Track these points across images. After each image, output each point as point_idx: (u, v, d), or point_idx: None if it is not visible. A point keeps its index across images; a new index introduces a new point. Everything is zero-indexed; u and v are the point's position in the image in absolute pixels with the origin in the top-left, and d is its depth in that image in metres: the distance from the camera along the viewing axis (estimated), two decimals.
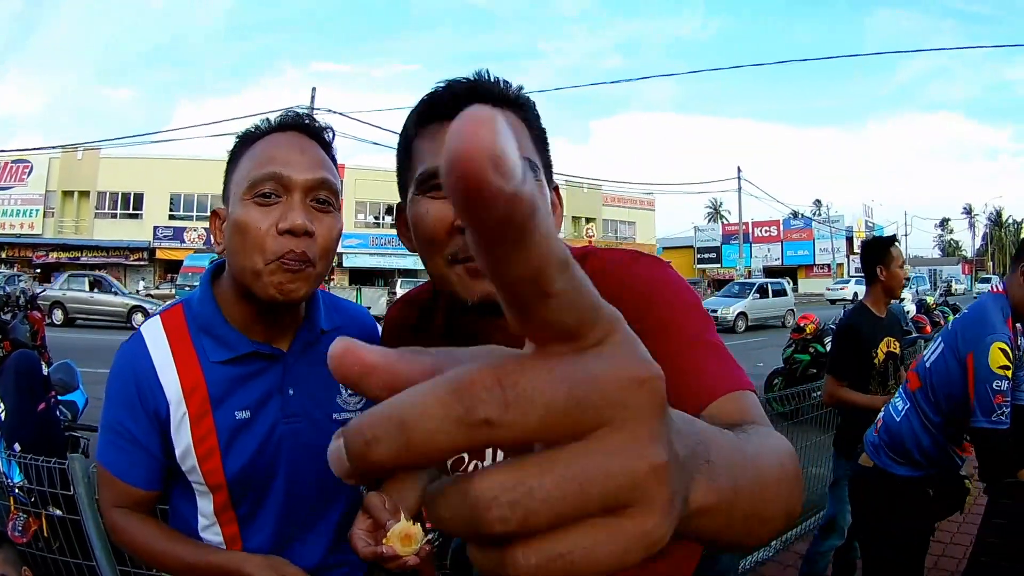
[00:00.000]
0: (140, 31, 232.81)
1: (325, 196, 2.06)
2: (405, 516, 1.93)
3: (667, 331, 1.69)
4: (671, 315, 1.75)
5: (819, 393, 8.02)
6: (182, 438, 2.08)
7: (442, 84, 1.77)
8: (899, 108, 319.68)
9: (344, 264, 66.79)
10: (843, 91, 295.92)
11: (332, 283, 58.97)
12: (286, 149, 2.03)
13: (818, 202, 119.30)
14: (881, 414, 4.55)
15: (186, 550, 2.01)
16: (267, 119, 2.16)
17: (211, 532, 2.23)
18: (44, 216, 65.62)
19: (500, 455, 1.85)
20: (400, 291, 61.83)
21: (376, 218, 73.58)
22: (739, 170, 69.20)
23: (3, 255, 64.81)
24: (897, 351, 6.02)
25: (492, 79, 1.78)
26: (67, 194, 66.84)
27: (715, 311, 38.07)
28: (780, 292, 45.14)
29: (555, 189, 1.93)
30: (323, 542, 2.37)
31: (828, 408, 7.27)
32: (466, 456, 2.05)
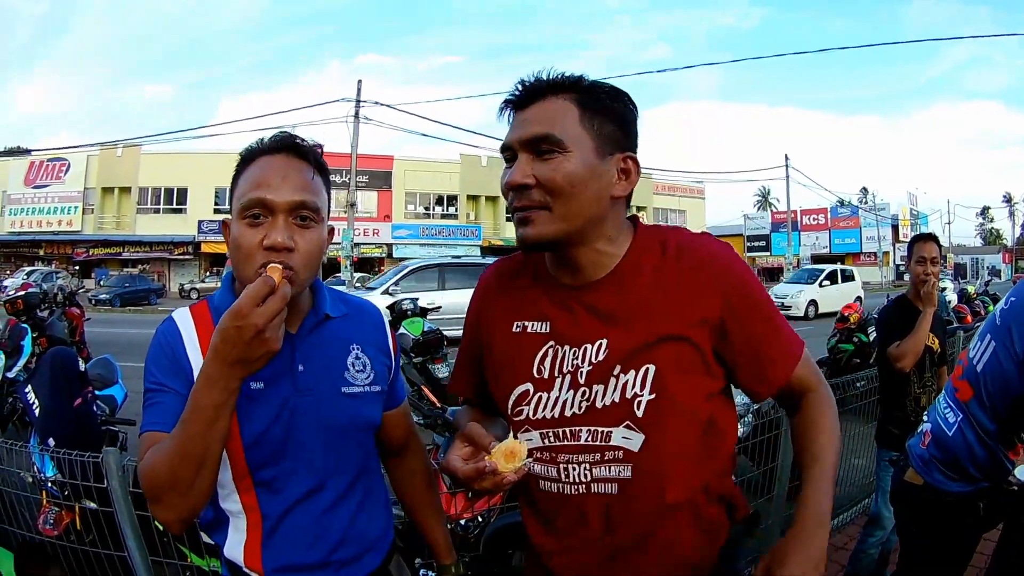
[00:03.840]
0: (179, 27, 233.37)
1: (306, 214, 2.35)
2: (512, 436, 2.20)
3: (752, 309, 2.35)
4: (751, 293, 2.36)
5: (862, 383, 8.22)
6: None
7: (520, 79, 2.32)
8: (939, 96, 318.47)
9: (394, 255, 66.47)
10: (884, 79, 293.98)
11: (381, 274, 59.15)
12: (272, 174, 2.33)
13: (864, 190, 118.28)
14: (929, 426, 4.31)
15: (183, 413, 2.11)
16: (261, 139, 2.46)
17: (230, 501, 2.45)
18: (83, 213, 66.24)
19: (567, 385, 2.34)
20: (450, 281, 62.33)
21: (426, 208, 73.75)
22: (787, 158, 68.61)
23: (41, 252, 65.15)
24: (936, 347, 6.20)
25: (552, 73, 2.30)
26: (107, 190, 67.45)
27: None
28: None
29: (629, 158, 2.34)
30: (342, 512, 2.55)
31: (872, 399, 7.26)
32: (531, 388, 2.40)
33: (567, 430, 2.35)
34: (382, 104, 42.04)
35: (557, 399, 2.36)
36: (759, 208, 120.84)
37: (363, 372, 2.61)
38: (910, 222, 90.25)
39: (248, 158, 2.43)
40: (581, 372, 2.32)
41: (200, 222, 65.83)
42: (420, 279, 25.10)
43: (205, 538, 4.65)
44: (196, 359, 2.35)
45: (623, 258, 2.37)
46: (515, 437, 2.25)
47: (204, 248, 66.04)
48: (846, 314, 15.41)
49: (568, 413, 2.34)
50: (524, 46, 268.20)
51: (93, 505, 5.09)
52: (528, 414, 2.41)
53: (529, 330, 2.45)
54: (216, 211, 65.36)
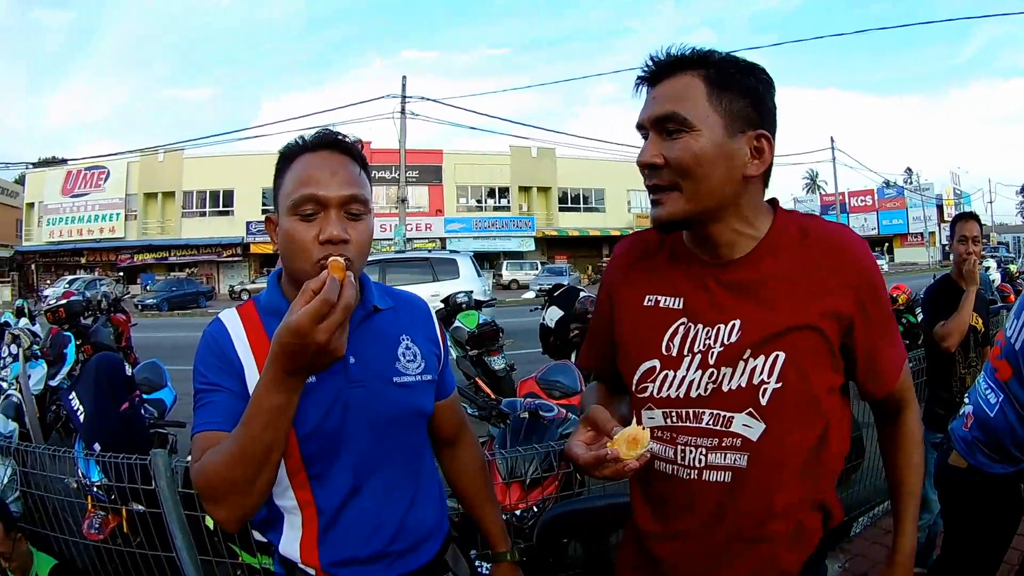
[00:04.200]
0: (217, 30, 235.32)
1: (355, 208, 2.46)
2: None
3: (878, 309, 2.35)
4: (879, 293, 2.36)
5: (912, 364, 8.03)
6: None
7: (650, 54, 2.31)
8: (977, 74, 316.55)
9: (448, 248, 66.53)
10: (922, 59, 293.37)
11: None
12: (320, 171, 2.44)
13: (909, 170, 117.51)
14: (971, 408, 4.36)
15: (243, 415, 2.13)
16: (302, 137, 2.57)
17: (285, 497, 2.50)
18: (126, 219, 67.37)
19: (696, 365, 2.33)
20: (507, 273, 61.99)
21: (479, 201, 74.20)
22: (832, 140, 69.50)
23: (83, 260, 66.01)
24: (980, 327, 6.31)
25: (682, 49, 2.30)
26: (150, 196, 68.72)
27: None
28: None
29: (762, 136, 2.28)
30: (397, 503, 2.61)
31: (920, 380, 7.18)
32: (657, 364, 2.39)
33: (690, 411, 2.35)
34: (428, 99, 42.44)
35: (684, 379, 2.36)
36: (808, 191, 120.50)
37: (414, 362, 2.67)
38: (954, 201, 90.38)
39: (290, 156, 2.53)
40: (712, 353, 2.32)
41: (248, 223, 66.72)
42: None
43: (257, 536, 4.67)
44: (247, 358, 2.44)
45: (762, 240, 2.36)
46: (638, 417, 2.35)
47: (253, 249, 66.94)
48: (894, 295, 15.42)
49: (693, 394, 2.34)
50: (567, 35, 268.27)
51: (141, 507, 5.12)
52: (653, 391, 2.41)
53: (661, 305, 2.45)
54: (264, 211, 65.46)
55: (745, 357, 2.26)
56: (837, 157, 69.65)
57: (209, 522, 4.77)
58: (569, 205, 77.12)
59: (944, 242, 71.46)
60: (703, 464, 2.32)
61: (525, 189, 75.01)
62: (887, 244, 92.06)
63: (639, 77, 2.34)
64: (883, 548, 6.44)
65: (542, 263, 66.79)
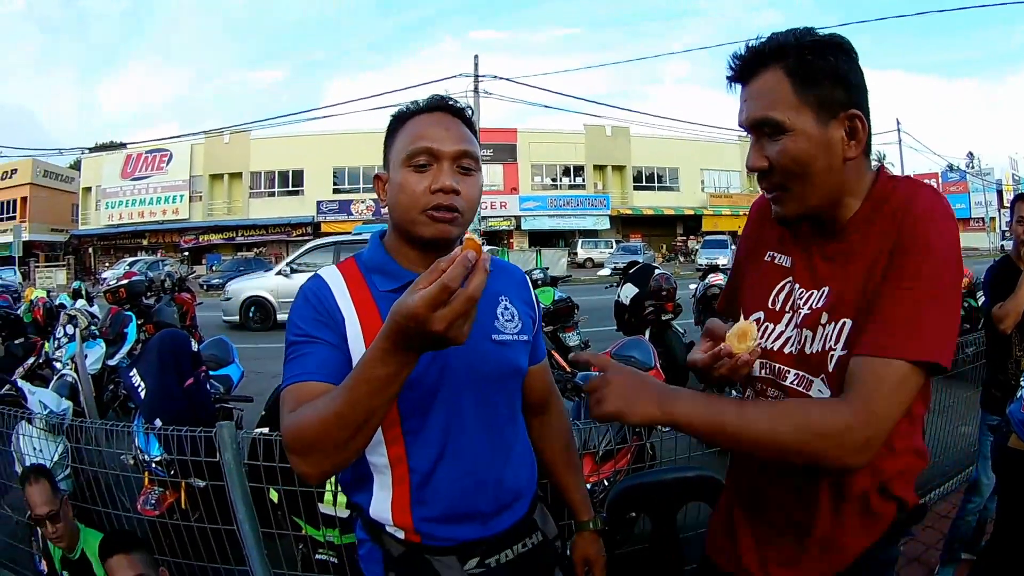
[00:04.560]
0: (288, 11, 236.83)
1: (467, 163, 2.58)
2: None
3: (907, 262, 2.16)
4: (917, 247, 2.18)
5: (971, 349, 8.36)
6: (356, 347, 2.44)
7: (735, 51, 2.37)
8: None
9: (523, 227, 68.27)
10: (984, 41, 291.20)
11: (511, 247, 59.28)
12: (435, 127, 2.56)
13: (971, 154, 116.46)
14: None
15: (348, 377, 2.11)
16: (416, 101, 2.70)
17: (376, 454, 2.55)
18: (190, 201, 68.78)
19: (793, 323, 2.42)
20: (581, 251, 62.50)
21: (554, 180, 74.55)
22: (898, 122, 69.83)
23: (144, 243, 67.01)
24: None
25: (762, 41, 2.32)
26: (215, 177, 70.29)
27: None
28: None
29: (853, 115, 2.28)
30: (491, 462, 2.65)
31: (980, 363, 7.31)
32: (762, 316, 2.51)
33: (780, 367, 2.43)
34: (501, 78, 42.76)
35: (782, 334, 2.45)
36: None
37: (511, 321, 2.77)
38: (1012, 187, 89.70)
39: (402, 118, 2.66)
40: (801, 314, 2.40)
41: (319, 203, 68.14)
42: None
43: (324, 509, 4.75)
44: (348, 310, 2.52)
45: (859, 209, 2.36)
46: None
47: (324, 228, 67.17)
48: (988, 277, 14.87)
49: (787, 350, 2.42)
50: (639, 13, 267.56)
51: (201, 483, 5.18)
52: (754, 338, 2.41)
53: (776, 262, 2.57)
54: (335, 191, 67.98)
55: (823, 323, 2.32)
56: (902, 139, 69.53)
57: (273, 495, 4.84)
58: (644, 184, 77.40)
59: (1004, 228, 71.34)
60: None
61: (600, 168, 75.46)
62: None
63: (733, 77, 2.40)
64: (937, 533, 6.73)
65: (616, 241, 67.17)
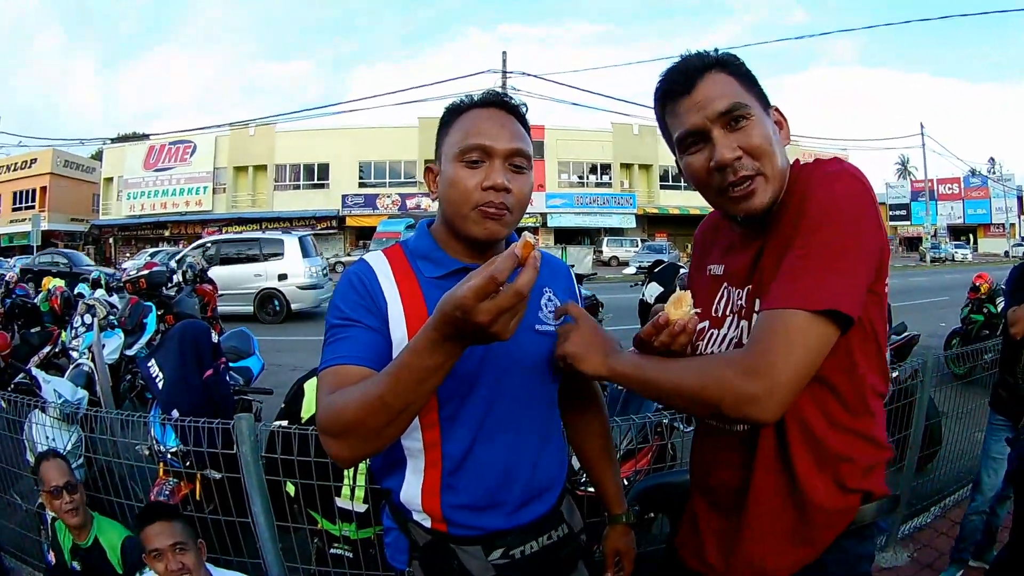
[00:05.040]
0: (315, 3, 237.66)
1: (519, 162, 2.61)
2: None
3: (809, 219, 2.24)
4: (821, 210, 2.25)
5: (990, 356, 8.46)
6: (397, 331, 2.50)
7: (667, 70, 2.50)
8: None
9: (548, 224, 68.33)
10: (1006, 46, 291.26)
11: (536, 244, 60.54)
12: (489, 124, 2.59)
13: (992, 160, 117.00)
14: None
15: (392, 364, 2.16)
16: (470, 95, 2.74)
17: (411, 439, 2.59)
18: (214, 192, 69.47)
19: (736, 324, 2.53)
20: (607, 249, 62.62)
21: (580, 178, 74.78)
22: (922, 126, 70.54)
23: (166, 233, 67.45)
24: None
25: (692, 55, 2.49)
26: (239, 169, 70.84)
27: None
28: None
29: (775, 109, 2.55)
30: (526, 451, 2.69)
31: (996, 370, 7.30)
32: (707, 325, 2.61)
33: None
34: (529, 74, 43.17)
35: (726, 336, 2.57)
36: (899, 176, 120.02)
37: (554, 313, 2.80)
38: None
39: (456, 111, 2.69)
40: (743, 310, 2.52)
41: (344, 196, 68.54)
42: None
43: (340, 503, 4.74)
44: (392, 295, 2.57)
45: (778, 201, 2.46)
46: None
47: (349, 222, 68.49)
48: (977, 283, 15.70)
49: (732, 350, 2.51)
50: (669, 11, 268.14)
51: (217, 475, 5.19)
52: (701, 349, 2.62)
53: (712, 272, 2.73)
54: (361, 185, 68.25)
55: (757, 310, 2.40)
56: (927, 144, 69.97)
57: (290, 488, 4.85)
58: (671, 183, 77.22)
59: (1023, 234, 71.86)
60: None
61: (627, 166, 75.80)
62: (971, 234, 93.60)
63: (665, 94, 2.52)
64: (950, 539, 6.83)
65: (642, 240, 67.46)
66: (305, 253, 27.98)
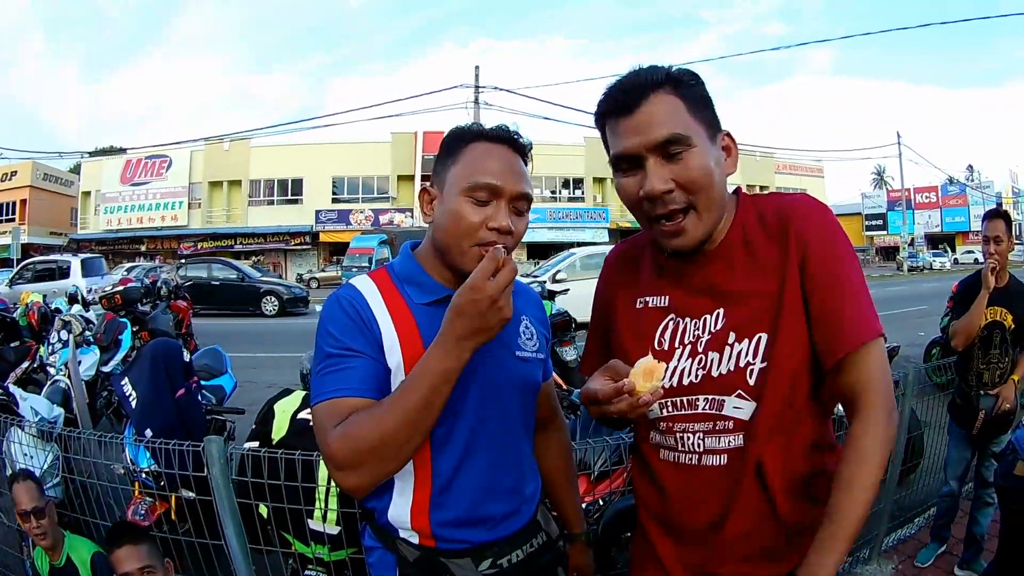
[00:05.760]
0: (290, 17, 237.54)
1: (522, 205, 2.68)
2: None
3: (831, 260, 2.36)
4: (832, 243, 2.39)
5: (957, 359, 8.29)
6: (393, 357, 2.52)
7: (612, 85, 2.43)
8: None
9: (521, 239, 67.41)
10: (987, 55, 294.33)
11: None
12: (500, 163, 2.61)
13: (971, 167, 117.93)
14: None
15: (409, 378, 2.33)
16: (479, 125, 2.77)
17: None
18: (189, 207, 69.10)
19: (686, 355, 2.51)
20: None
21: (553, 192, 75.04)
22: (898, 135, 70.88)
23: (143, 248, 67.24)
24: (1007, 323, 6.60)
25: (642, 70, 2.41)
26: (215, 184, 70.47)
27: None
28: None
29: (725, 135, 2.50)
30: (508, 469, 2.76)
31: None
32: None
33: (685, 399, 2.52)
34: (501, 89, 43.10)
35: (676, 368, 2.53)
36: (875, 186, 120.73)
37: (531, 340, 2.91)
38: (1012, 200, 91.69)
39: (464, 138, 2.69)
40: (700, 341, 2.50)
41: (318, 212, 68.26)
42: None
43: (312, 525, 4.72)
44: (384, 322, 2.57)
45: (729, 230, 2.52)
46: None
47: (323, 238, 68.24)
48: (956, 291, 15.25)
49: (685, 382, 2.52)
50: (643, 24, 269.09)
51: (191, 495, 5.17)
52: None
53: (650, 305, 2.67)
54: (334, 200, 67.98)
55: (730, 342, 2.44)
56: (904, 153, 70.62)
57: (263, 510, 4.82)
58: None
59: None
60: (702, 449, 2.49)
61: (599, 180, 75.54)
62: (949, 242, 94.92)
63: (607, 111, 2.48)
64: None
65: None
66: (92, 273, 30.12)
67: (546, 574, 2.94)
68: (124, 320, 12.86)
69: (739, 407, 2.41)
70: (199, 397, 7.21)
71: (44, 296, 15.16)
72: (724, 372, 2.43)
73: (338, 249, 64.89)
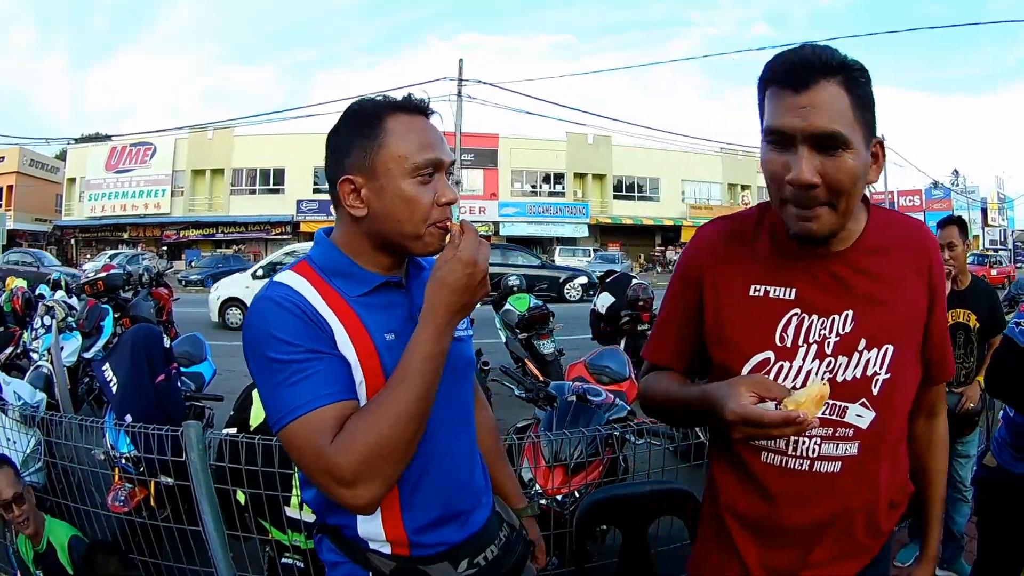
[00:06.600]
0: (276, 10, 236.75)
1: (452, 171, 2.54)
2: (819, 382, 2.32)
3: (942, 298, 2.54)
4: (943, 286, 2.55)
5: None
6: (348, 357, 2.35)
7: (786, 56, 2.27)
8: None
9: (501, 232, 67.35)
10: (974, 60, 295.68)
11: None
12: (431, 134, 2.49)
13: (956, 172, 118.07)
14: (1010, 411, 4.54)
15: (401, 368, 2.29)
16: (385, 96, 2.57)
17: None
18: (172, 196, 68.54)
19: (812, 355, 2.43)
20: (559, 259, 61.36)
21: (533, 187, 74.53)
22: (882, 137, 69.54)
23: (125, 236, 66.94)
24: (972, 324, 6.65)
25: (818, 49, 2.26)
26: (198, 173, 69.81)
27: None
28: None
29: (877, 141, 2.38)
30: (464, 463, 2.68)
31: None
32: (772, 356, 2.46)
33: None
34: (485, 83, 43.02)
35: (800, 369, 2.43)
36: None
37: (465, 322, 2.76)
38: (997, 205, 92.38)
39: (378, 115, 2.48)
40: (828, 343, 2.41)
41: (299, 202, 67.86)
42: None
43: (289, 512, 4.72)
44: (332, 320, 2.38)
45: (863, 233, 2.47)
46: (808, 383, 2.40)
47: (303, 228, 67.53)
48: None
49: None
50: (630, 23, 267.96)
51: (169, 481, 5.16)
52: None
53: (771, 295, 2.50)
54: (315, 190, 67.35)
55: (860, 348, 2.38)
56: (887, 156, 69.94)
57: (240, 496, 4.82)
58: (624, 193, 77.22)
59: (988, 246, 73.58)
60: (816, 455, 2.42)
61: (580, 176, 75.34)
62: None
63: (772, 79, 2.31)
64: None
65: (595, 250, 66.95)
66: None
67: (519, 568, 2.85)
68: (106, 307, 12.87)
69: (861, 416, 2.38)
70: (179, 383, 7.16)
71: (28, 281, 15.14)
72: (850, 379, 2.39)
73: None
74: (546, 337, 13.75)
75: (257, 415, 5.11)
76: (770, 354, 2.44)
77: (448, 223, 2.38)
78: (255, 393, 5.17)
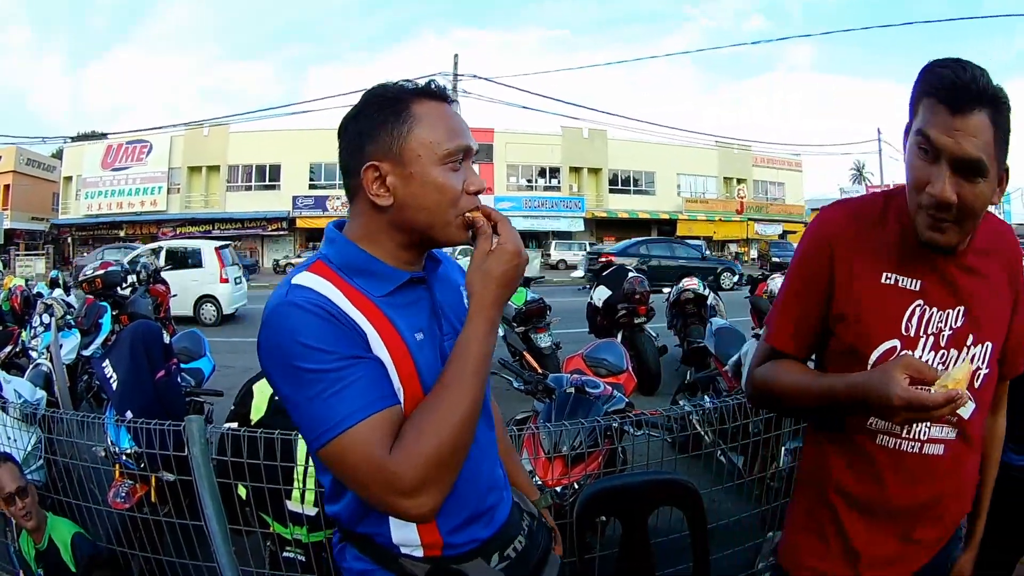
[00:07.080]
0: (273, 5, 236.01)
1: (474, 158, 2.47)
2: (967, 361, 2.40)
3: (1021, 306, 2.68)
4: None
5: None
6: (383, 359, 2.24)
7: (957, 69, 2.28)
8: (1018, 73, 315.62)
9: None
10: (969, 54, 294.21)
11: None
12: (458, 121, 2.41)
13: None
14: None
15: (455, 365, 2.25)
16: (412, 81, 2.44)
17: None
18: (168, 193, 68.71)
19: (929, 346, 2.54)
20: (555, 253, 61.71)
21: (529, 181, 74.69)
22: (879, 131, 69.84)
23: (122, 233, 66.87)
24: None
25: (978, 74, 2.27)
26: (194, 170, 70.03)
27: None
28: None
29: (1004, 171, 2.43)
30: (488, 457, 2.61)
31: None
32: (898, 345, 2.54)
33: (926, 389, 2.35)
34: (480, 77, 43.01)
35: (919, 357, 2.48)
36: (854, 182, 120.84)
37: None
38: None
39: (402, 99, 2.36)
40: (943, 335, 2.54)
41: (295, 198, 67.99)
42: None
43: (290, 506, 4.70)
44: (362, 322, 2.24)
45: (975, 237, 2.54)
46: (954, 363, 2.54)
47: (299, 224, 67.90)
48: None
49: None
50: (626, 17, 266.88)
51: (170, 476, 5.15)
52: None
53: (900, 284, 2.57)
54: (311, 186, 67.58)
55: (968, 344, 2.54)
56: (884, 149, 70.32)
57: (241, 491, 4.79)
58: (619, 187, 77.38)
59: None
60: (926, 437, 2.55)
61: (576, 170, 75.43)
62: None
63: (933, 93, 2.33)
64: None
65: (591, 244, 65.76)
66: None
67: (545, 555, 2.81)
68: (104, 304, 12.87)
69: (965, 406, 2.31)
70: (178, 379, 7.16)
71: (27, 280, 15.14)
72: None
73: (315, 235, 65.35)
74: (543, 330, 13.78)
75: (258, 408, 5.09)
76: (896, 342, 2.52)
77: (470, 213, 2.32)
78: (256, 387, 5.18)
